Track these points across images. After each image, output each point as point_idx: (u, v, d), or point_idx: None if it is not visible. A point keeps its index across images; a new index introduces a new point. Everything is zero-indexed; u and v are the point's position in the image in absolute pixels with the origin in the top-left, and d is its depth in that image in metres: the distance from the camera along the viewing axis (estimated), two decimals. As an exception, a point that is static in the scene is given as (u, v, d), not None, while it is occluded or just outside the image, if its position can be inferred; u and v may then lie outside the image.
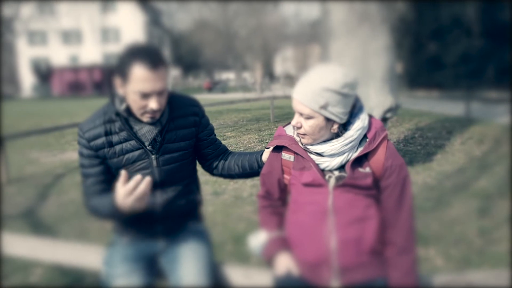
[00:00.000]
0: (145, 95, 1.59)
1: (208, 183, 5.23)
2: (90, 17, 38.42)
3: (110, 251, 1.80)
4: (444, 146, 6.99)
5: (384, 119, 5.89)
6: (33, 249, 2.18)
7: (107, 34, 40.07)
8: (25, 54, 40.36)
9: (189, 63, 58.89)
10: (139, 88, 1.57)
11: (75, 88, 33.74)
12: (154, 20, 44.83)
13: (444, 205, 4.52)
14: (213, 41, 42.64)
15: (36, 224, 4.34)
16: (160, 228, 1.81)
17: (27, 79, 39.50)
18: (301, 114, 1.50)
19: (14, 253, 2.23)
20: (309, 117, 1.49)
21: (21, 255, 2.21)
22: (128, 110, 1.69)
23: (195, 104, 1.86)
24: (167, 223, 1.82)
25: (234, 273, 1.77)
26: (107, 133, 1.70)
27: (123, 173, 1.57)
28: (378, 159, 1.54)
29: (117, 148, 1.71)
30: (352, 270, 1.55)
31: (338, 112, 1.48)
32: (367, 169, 1.53)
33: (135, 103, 1.63)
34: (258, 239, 1.70)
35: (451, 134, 7.74)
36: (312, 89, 1.45)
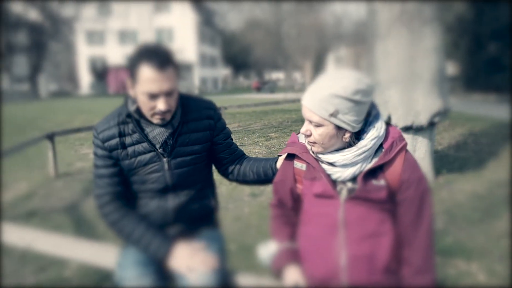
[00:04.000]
0: (153, 96, 1.58)
1: (246, 183, 5.21)
2: (144, 17, 39.62)
3: (123, 254, 1.79)
4: (498, 153, 6.62)
5: (432, 124, 5.63)
6: (59, 246, 2.23)
7: (161, 34, 41.12)
8: (83, 53, 42.22)
9: (240, 63, 59.48)
10: (147, 88, 1.56)
11: (129, 86, 34.92)
12: (207, 20, 45.55)
13: (493, 216, 4.25)
14: (263, 40, 42.79)
15: (78, 219, 4.49)
16: (173, 232, 1.79)
17: (85, 77, 41.33)
18: (310, 122, 1.43)
19: (42, 249, 2.29)
20: (318, 125, 1.41)
21: (48, 252, 2.27)
22: (139, 111, 1.68)
23: (211, 107, 1.82)
24: (179, 228, 1.80)
25: (246, 281, 1.71)
26: (121, 134, 1.70)
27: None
28: (394, 171, 1.43)
29: (130, 150, 1.70)
30: None
31: (349, 120, 1.39)
32: (382, 182, 1.43)
33: (144, 104, 1.62)
34: (268, 250, 1.64)
35: (507, 141, 7.32)
36: (321, 96, 1.37)
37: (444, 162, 6.17)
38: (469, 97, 18.48)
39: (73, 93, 38.50)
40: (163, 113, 1.62)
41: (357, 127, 1.42)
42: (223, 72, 54.94)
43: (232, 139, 1.92)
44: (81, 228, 4.24)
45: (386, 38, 5.60)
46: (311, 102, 1.40)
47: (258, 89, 31.00)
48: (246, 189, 5.10)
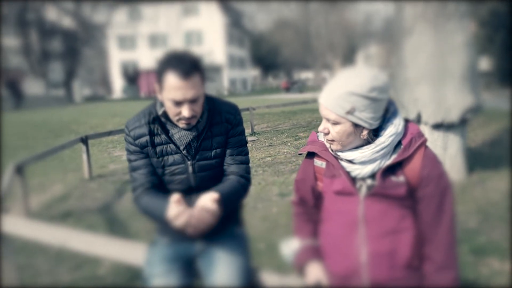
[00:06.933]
0: (178, 103, 1.62)
1: (275, 183, 5.25)
2: (174, 21, 40.17)
3: (151, 251, 1.85)
4: (534, 150, 6.41)
5: (464, 121, 5.51)
6: (92, 245, 2.31)
7: (190, 37, 41.60)
8: (116, 58, 43.18)
9: (269, 63, 59.49)
10: (171, 96, 1.60)
11: (160, 89, 35.60)
12: (235, 22, 45.76)
13: (528, 215, 4.13)
14: (292, 40, 42.73)
15: (111, 219, 4.61)
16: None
17: (117, 82, 42.26)
18: (327, 120, 1.44)
19: (76, 247, 2.38)
20: (335, 123, 1.42)
21: (82, 250, 2.35)
22: (166, 114, 1.73)
23: (231, 112, 1.83)
24: None
25: (270, 279, 1.74)
26: (151, 133, 1.75)
27: (175, 196, 1.56)
28: (414, 168, 1.42)
29: (158, 149, 1.75)
30: (385, 285, 1.46)
31: (366, 118, 1.39)
32: (401, 178, 1.43)
33: (170, 110, 1.67)
34: (291, 247, 1.66)
35: (544, 137, 7.07)
36: (338, 94, 1.38)
37: (478, 159, 6.03)
38: (504, 92, 17.90)
39: (106, 97, 39.45)
40: (187, 119, 1.66)
41: (375, 124, 1.43)
42: (252, 73, 55.08)
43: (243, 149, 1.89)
44: (114, 227, 4.36)
45: (414, 34, 5.51)
46: (327, 100, 1.41)
47: (287, 89, 30.99)
48: (275, 189, 5.13)
